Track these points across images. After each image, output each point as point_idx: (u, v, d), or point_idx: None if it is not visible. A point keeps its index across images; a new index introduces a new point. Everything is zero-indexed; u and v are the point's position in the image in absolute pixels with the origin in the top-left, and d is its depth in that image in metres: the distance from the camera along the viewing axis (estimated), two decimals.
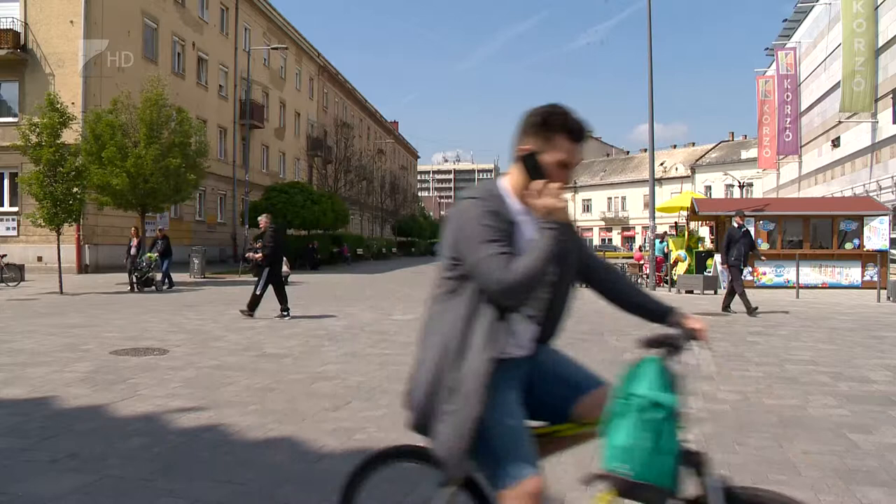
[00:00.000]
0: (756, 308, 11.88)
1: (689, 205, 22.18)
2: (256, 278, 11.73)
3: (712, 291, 17.02)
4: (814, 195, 32.51)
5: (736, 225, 12.23)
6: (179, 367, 6.96)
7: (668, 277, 19.07)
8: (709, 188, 68.80)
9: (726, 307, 12.35)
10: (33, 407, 5.34)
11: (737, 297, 12.12)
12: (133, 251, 18.19)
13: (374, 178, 61.48)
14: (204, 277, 22.28)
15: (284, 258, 13.41)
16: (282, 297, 11.63)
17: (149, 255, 17.99)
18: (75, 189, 17.12)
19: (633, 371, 2.04)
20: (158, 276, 17.93)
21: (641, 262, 21.12)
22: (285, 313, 11.50)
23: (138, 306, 13.24)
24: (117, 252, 25.36)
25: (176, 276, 22.40)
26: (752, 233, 19.01)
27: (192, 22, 32.50)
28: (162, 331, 9.74)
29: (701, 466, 1.96)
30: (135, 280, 17.25)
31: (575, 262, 2.19)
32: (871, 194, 23.91)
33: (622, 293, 2.32)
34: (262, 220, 12.01)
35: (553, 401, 2.31)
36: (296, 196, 31.73)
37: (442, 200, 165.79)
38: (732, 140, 77.14)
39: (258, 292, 11.45)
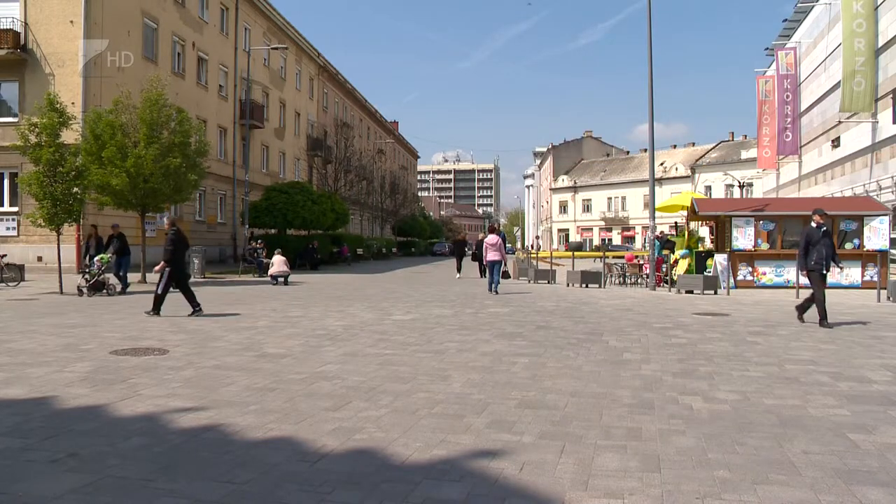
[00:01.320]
0: (830, 324, 10.61)
1: (689, 205, 22.19)
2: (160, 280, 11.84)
3: (712, 291, 17.03)
4: (814, 195, 32.50)
5: (815, 224, 10.73)
6: (179, 367, 6.96)
7: (668, 277, 19.08)
8: (709, 188, 68.87)
9: (802, 314, 10.94)
10: (33, 407, 5.34)
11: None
12: (92, 251, 16.74)
13: (374, 178, 61.52)
14: (204, 277, 22.28)
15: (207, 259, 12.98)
16: (190, 297, 11.85)
17: (101, 256, 16.25)
18: (75, 189, 17.10)
19: None
20: (113, 279, 16.35)
21: (633, 261, 21.14)
22: (198, 310, 11.69)
23: (138, 306, 13.24)
24: None
25: None
26: (753, 233, 19.11)
27: (192, 22, 32.49)
28: (162, 331, 9.74)
29: None
30: (84, 284, 15.61)
31: None
32: (871, 194, 23.91)
33: None
34: (166, 221, 12.16)
35: None
36: (296, 196, 31.73)
37: (442, 200, 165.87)
38: (732, 140, 77.20)
39: (159, 292, 11.63)
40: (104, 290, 15.76)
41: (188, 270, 13.44)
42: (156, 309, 11.57)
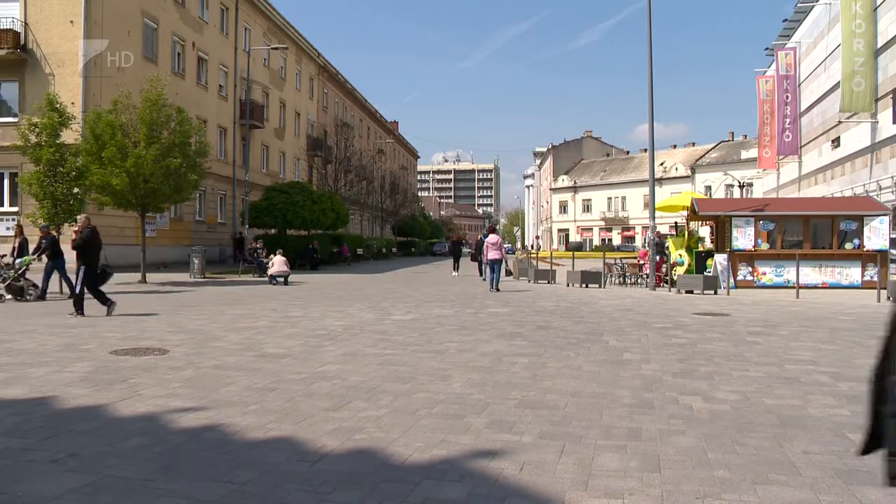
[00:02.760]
0: None
1: (689, 205, 22.17)
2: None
3: (712, 291, 17.03)
4: (814, 195, 32.50)
5: None
6: (179, 367, 6.95)
7: (668, 277, 19.07)
8: (709, 188, 68.83)
9: None
10: (33, 407, 5.33)
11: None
12: (15, 254, 15.13)
13: (374, 178, 61.49)
14: (204, 277, 22.27)
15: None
16: (101, 297, 11.63)
17: (25, 258, 14.69)
18: (75, 189, 17.09)
19: None
20: (45, 283, 14.81)
21: (647, 257, 21.16)
22: (78, 313, 11.41)
23: (138, 306, 13.24)
24: (117, 252, 25.35)
25: (176, 276, 22.43)
26: (753, 233, 19.10)
27: (192, 22, 32.50)
28: (162, 331, 9.74)
29: None
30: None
31: None
32: (871, 194, 23.91)
33: None
34: (81, 219, 12.01)
35: None
36: (296, 196, 31.72)
37: (442, 200, 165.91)
38: (732, 140, 77.22)
39: (77, 292, 11.50)
40: (23, 296, 14.32)
41: (110, 272, 12.92)
42: (78, 309, 11.43)
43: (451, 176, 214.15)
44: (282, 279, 20.59)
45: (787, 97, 36.03)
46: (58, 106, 17.04)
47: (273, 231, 33.50)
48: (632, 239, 77.41)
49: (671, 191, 63.92)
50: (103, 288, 12.17)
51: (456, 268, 27.34)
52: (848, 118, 27.54)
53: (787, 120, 36.02)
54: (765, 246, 19.19)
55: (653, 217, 19.82)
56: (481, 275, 23.69)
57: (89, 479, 3.74)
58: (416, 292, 17.71)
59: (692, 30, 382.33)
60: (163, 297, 15.74)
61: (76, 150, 17.75)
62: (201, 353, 7.87)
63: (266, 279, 21.45)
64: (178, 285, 19.24)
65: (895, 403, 1.99)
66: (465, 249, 43.33)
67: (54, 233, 15.62)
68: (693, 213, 21.72)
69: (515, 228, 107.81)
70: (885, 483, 2.01)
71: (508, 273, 19.66)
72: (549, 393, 5.90)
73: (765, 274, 19.03)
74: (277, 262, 20.89)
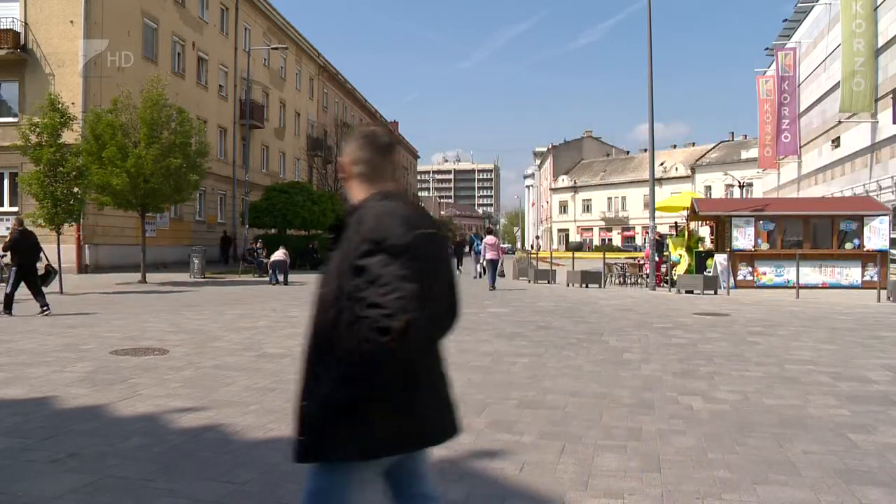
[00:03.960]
0: None
1: (689, 205, 22.17)
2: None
3: (712, 292, 17.02)
4: (814, 195, 32.48)
5: None
6: (179, 367, 6.95)
7: (667, 277, 19.07)
8: (709, 188, 68.83)
9: None
10: (33, 407, 5.34)
11: None
12: None
13: None
14: (204, 277, 22.27)
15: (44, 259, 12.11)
16: (37, 295, 11.92)
17: None
18: (75, 189, 17.08)
19: None
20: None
21: (647, 255, 21.15)
22: (45, 309, 11.65)
23: (138, 306, 13.24)
24: (117, 252, 25.36)
25: (176, 276, 22.43)
26: (753, 233, 19.10)
27: (192, 22, 32.47)
28: (162, 331, 9.74)
29: None
30: None
31: None
32: (871, 194, 23.90)
33: None
34: (13, 221, 12.32)
35: None
36: (296, 196, 31.71)
37: (442, 200, 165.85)
38: (732, 140, 77.22)
39: (8, 291, 11.74)
40: None
41: (41, 273, 12.76)
42: (6, 308, 11.65)
43: (451, 176, 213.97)
44: (282, 277, 20.62)
45: (785, 98, 35.98)
46: (59, 106, 17.03)
47: (273, 231, 33.50)
48: (632, 239, 77.37)
49: (671, 191, 63.87)
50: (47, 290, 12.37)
51: (458, 266, 28.32)
52: (848, 118, 27.52)
53: (786, 121, 35.98)
54: (765, 246, 19.18)
55: (653, 217, 19.82)
56: (477, 275, 24.11)
57: (89, 479, 3.74)
58: None
59: (692, 30, 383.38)
60: (163, 297, 15.74)
61: (76, 150, 17.74)
62: (201, 353, 7.87)
63: (266, 279, 21.47)
64: (178, 285, 19.24)
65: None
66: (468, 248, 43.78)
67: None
68: (693, 213, 21.71)
69: (515, 229, 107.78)
70: (292, 459, 2.12)
71: (502, 274, 20.61)
72: (549, 393, 5.90)
73: (765, 274, 19.02)
74: (278, 253, 21.22)
